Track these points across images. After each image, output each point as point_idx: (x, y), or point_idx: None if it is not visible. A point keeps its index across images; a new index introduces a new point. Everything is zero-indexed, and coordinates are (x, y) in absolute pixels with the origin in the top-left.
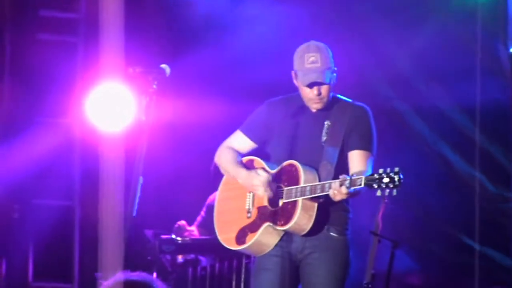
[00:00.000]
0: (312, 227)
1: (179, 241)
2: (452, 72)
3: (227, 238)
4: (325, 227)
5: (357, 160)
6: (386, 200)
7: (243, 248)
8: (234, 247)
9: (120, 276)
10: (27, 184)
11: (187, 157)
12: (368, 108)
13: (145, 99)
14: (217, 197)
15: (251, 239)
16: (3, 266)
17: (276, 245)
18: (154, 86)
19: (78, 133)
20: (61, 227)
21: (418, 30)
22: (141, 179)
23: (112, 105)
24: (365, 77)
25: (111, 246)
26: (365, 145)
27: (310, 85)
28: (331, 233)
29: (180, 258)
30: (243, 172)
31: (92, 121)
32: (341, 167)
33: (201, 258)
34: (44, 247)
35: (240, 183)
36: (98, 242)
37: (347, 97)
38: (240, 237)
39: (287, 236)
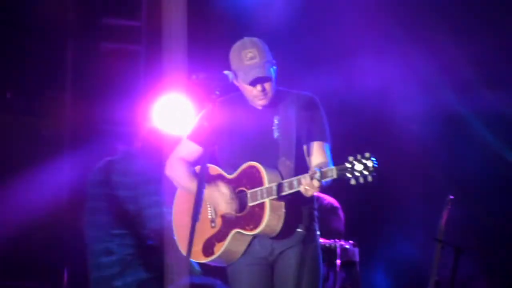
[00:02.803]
0: (283, 227)
1: None
2: None
3: (192, 252)
4: (294, 227)
5: (316, 152)
6: (449, 206)
7: (212, 260)
8: (202, 259)
9: (185, 279)
10: None
11: None
12: (315, 96)
13: (208, 105)
14: (173, 211)
15: (220, 249)
16: (66, 276)
17: (245, 252)
18: (217, 93)
19: (142, 140)
20: None
21: (482, 35)
22: (206, 186)
23: (174, 112)
24: (429, 83)
25: (178, 253)
26: (320, 136)
27: (253, 82)
28: (298, 229)
29: None
30: None
31: (157, 128)
32: (300, 161)
33: None
34: None
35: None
36: (165, 246)
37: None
38: (207, 249)
39: (255, 240)
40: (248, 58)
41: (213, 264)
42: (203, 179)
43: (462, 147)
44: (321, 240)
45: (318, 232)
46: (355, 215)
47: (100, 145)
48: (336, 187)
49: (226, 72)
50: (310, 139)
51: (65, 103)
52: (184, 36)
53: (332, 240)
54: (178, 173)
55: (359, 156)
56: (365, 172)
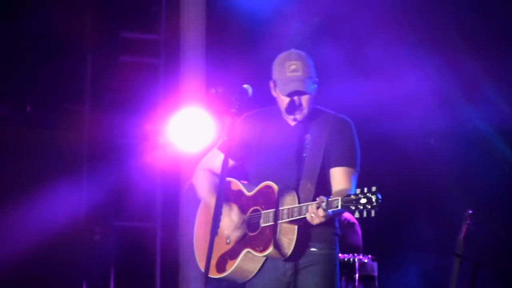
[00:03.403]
0: (294, 250)
1: None
2: None
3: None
4: (308, 247)
5: (339, 178)
6: (468, 221)
7: (224, 276)
8: (215, 275)
9: None
10: (109, 206)
11: None
12: (350, 121)
13: (227, 119)
14: (196, 222)
15: (231, 267)
16: None
17: (259, 272)
18: (237, 107)
19: (160, 154)
20: (143, 249)
21: (502, 48)
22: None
23: (192, 126)
24: (447, 97)
25: (192, 268)
26: (348, 162)
27: (290, 95)
28: (312, 249)
29: None
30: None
31: (173, 143)
32: (322, 185)
33: None
34: (125, 269)
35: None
36: (179, 264)
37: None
38: (220, 265)
39: (268, 260)
40: (290, 70)
41: (227, 280)
42: (222, 194)
43: (480, 162)
44: (339, 254)
45: (337, 251)
46: (374, 230)
47: (116, 159)
48: None
49: (245, 86)
50: (337, 163)
51: (84, 117)
52: (202, 50)
53: (351, 255)
54: (201, 183)
55: (365, 190)
56: (368, 207)
